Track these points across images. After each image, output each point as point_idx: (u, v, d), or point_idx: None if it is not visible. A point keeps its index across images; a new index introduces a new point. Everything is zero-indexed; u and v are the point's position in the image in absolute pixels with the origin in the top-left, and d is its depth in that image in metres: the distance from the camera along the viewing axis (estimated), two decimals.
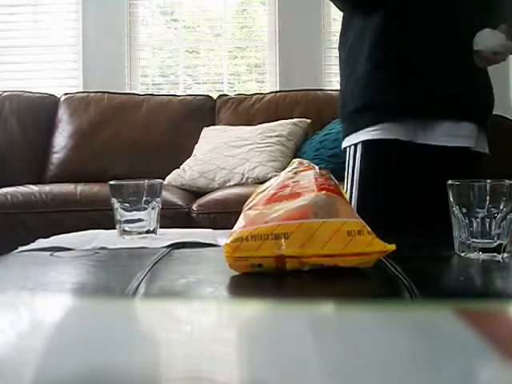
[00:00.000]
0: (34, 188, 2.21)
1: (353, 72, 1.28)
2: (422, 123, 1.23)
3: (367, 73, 1.24)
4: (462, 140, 1.25)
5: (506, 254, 0.74)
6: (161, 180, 1.01)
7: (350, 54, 1.29)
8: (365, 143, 1.24)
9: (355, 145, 1.26)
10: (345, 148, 1.31)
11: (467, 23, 1.20)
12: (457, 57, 1.21)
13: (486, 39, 1.17)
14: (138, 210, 0.96)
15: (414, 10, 1.21)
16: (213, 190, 2.31)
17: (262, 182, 0.89)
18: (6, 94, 2.79)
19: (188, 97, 2.87)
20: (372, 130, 1.23)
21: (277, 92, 2.85)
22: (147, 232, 0.97)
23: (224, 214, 1.98)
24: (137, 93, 3.00)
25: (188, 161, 2.49)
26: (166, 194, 1.84)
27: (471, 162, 1.27)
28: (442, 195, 1.24)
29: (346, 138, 1.29)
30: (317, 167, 0.84)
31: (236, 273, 0.69)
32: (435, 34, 1.21)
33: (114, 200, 0.97)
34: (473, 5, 1.22)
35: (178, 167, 2.47)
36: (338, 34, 1.36)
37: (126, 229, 0.97)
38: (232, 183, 2.33)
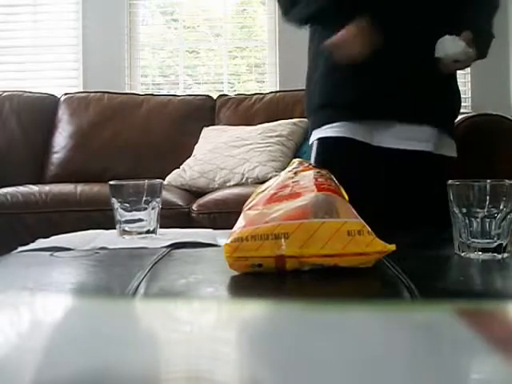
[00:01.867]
0: (34, 188, 2.21)
1: (316, 69, 1.30)
2: (376, 125, 1.24)
3: (326, 72, 1.27)
4: (418, 144, 1.25)
5: (506, 254, 0.74)
6: (161, 180, 1.01)
7: (315, 50, 1.31)
8: (319, 140, 1.27)
9: (313, 142, 1.30)
10: (311, 144, 1.34)
11: (422, 28, 1.20)
12: (413, 61, 1.21)
13: (446, 47, 1.16)
14: (138, 210, 0.96)
15: (369, 14, 1.20)
16: (213, 190, 2.31)
17: (262, 182, 0.89)
18: (6, 93, 2.79)
19: (188, 97, 2.86)
20: (326, 128, 1.25)
21: (277, 92, 2.85)
22: (147, 232, 0.97)
23: (224, 214, 1.98)
24: (137, 93, 3.00)
25: (188, 161, 2.49)
26: (165, 194, 1.84)
27: (432, 165, 1.27)
28: (399, 197, 1.24)
29: (311, 136, 1.34)
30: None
31: (236, 273, 0.69)
32: (389, 40, 1.19)
33: (113, 200, 0.97)
34: (430, 10, 1.21)
35: (178, 167, 2.47)
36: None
37: (126, 229, 0.97)
38: (232, 183, 2.33)
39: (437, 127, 1.26)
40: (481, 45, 1.22)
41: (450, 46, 1.16)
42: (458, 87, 1.34)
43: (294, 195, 0.73)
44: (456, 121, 2.00)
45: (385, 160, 1.25)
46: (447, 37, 1.16)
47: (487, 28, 1.27)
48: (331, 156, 1.24)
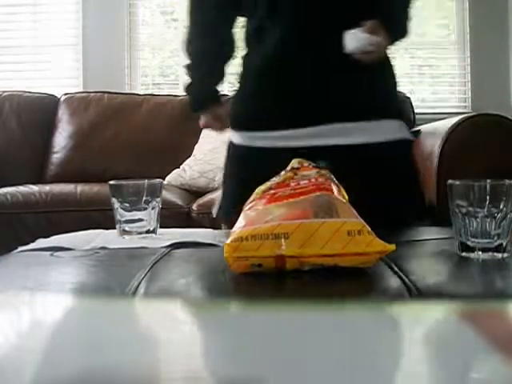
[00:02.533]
0: (34, 188, 2.21)
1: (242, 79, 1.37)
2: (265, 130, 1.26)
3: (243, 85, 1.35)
4: (309, 140, 1.23)
5: (506, 254, 0.74)
6: (161, 180, 1.01)
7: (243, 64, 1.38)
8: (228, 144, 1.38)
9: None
10: None
11: (315, 25, 1.20)
12: (323, 60, 1.21)
13: (349, 43, 1.15)
14: (138, 209, 0.96)
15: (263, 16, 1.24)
16: (213, 189, 2.31)
17: None
18: (6, 94, 2.79)
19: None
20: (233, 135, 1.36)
21: None
22: (147, 232, 0.97)
23: None
24: (137, 93, 3.00)
25: (188, 161, 2.49)
26: (165, 194, 1.84)
27: (357, 157, 1.23)
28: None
29: None
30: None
31: (236, 273, 0.69)
32: (295, 41, 1.21)
33: (113, 200, 0.97)
34: (334, 3, 1.21)
35: (178, 167, 2.47)
36: None
37: (126, 229, 0.97)
38: None
39: (355, 120, 1.23)
40: (393, 29, 1.20)
41: (351, 40, 1.15)
42: (386, 71, 1.30)
43: (294, 195, 0.73)
44: (456, 121, 2.00)
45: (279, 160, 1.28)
46: (349, 32, 1.15)
47: (398, 10, 1.24)
48: (232, 161, 1.35)
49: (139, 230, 0.96)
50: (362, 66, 1.20)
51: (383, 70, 1.29)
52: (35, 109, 2.78)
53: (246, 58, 1.31)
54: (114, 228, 0.98)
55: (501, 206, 0.73)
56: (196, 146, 2.55)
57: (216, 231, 1.05)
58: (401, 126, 1.30)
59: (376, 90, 1.27)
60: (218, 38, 1.35)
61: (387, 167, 1.25)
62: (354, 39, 1.15)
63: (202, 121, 1.42)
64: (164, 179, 2.33)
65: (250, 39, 1.30)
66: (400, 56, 3.29)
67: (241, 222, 0.72)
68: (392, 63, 1.33)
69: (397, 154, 1.26)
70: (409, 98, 2.81)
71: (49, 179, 2.57)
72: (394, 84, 1.34)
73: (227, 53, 1.37)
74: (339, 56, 1.18)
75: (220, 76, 1.39)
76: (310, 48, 1.22)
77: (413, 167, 1.32)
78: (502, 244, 0.74)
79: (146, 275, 0.68)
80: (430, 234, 1.00)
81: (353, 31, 1.15)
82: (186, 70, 1.39)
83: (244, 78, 1.32)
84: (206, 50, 1.36)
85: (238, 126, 1.35)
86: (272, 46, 1.24)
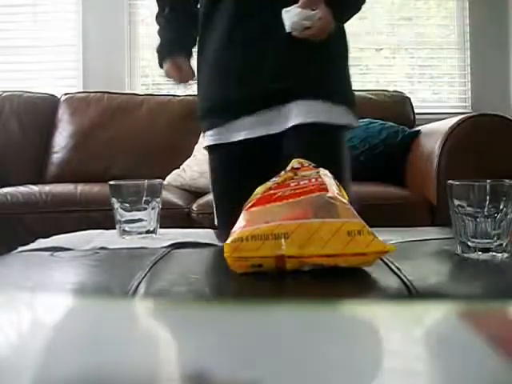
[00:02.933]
0: (34, 188, 2.21)
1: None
2: (222, 124, 1.33)
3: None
4: (261, 129, 1.28)
5: (506, 254, 0.74)
6: (161, 180, 1.01)
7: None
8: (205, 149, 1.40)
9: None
10: None
11: (258, 8, 1.21)
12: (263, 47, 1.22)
13: (285, 20, 1.13)
14: (138, 210, 0.96)
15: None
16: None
17: None
18: (5, 94, 2.79)
19: (188, 97, 2.86)
20: (208, 136, 1.38)
21: None
22: (147, 232, 0.97)
23: None
24: (137, 93, 3.00)
25: (188, 161, 2.49)
26: (166, 194, 1.84)
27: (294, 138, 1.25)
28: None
29: None
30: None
31: (236, 273, 0.69)
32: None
33: (113, 200, 0.97)
34: None
35: (178, 167, 2.47)
36: None
37: (126, 229, 0.97)
38: None
39: (291, 101, 1.24)
40: (339, 2, 1.18)
41: (287, 18, 1.13)
42: (329, 48, 1.24)
43: (294, 195, 0.73)
44: (456, 121, 2.00)
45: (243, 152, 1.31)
46: (285, 10, 1.13)
47: None
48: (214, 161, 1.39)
49: (139, 230, 0.97)
50: (301, 45, 1.16)
51: (324, 47, 1.22)
52: (35, 109, 2.78)
53: (199, 52, 1.37)
54: (114, 228, 0.98)
55: (501, 206, 0.73)
56: (196, 146, 2.55)
57: (216, 231, 1.05)
58: (328, 110, 1.24)
59: (308, 70, 1.25)
60: (182, 10, 1.40)
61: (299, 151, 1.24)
62: (289, 17, 1.13)
63: (165, 68, 1.41)
64: (164, 179, 2.33)
65: (202, 23, 1.34)
66: (400, 56, 3.29)
67: (241, 222, 0.72)
68: (343, 38, 1.30)
69: (313, 138, 1.23)
70: (409, 98, 2.82)
71: (49, 179, 2.56)
72: (333, 61, 1.28)
73: (192, 25, 1.39)
74: (280, 37, 1.17)
75: (186, 36, 1.41)
76: (253, 33, 1.22)
77: (337, 153, 1.27)
78: (501, 244, 0.74)
79: (146, 275, 0.68)
80: (430, 234, 1.00)
81: (288, 8, 1.13)
82: (157, 36, 1.43)
83: (199, 72, 1.41)
84: (174, 19, 1.41)
85: (204, 126, 1.42)
86: (218, 37, 1.27)
